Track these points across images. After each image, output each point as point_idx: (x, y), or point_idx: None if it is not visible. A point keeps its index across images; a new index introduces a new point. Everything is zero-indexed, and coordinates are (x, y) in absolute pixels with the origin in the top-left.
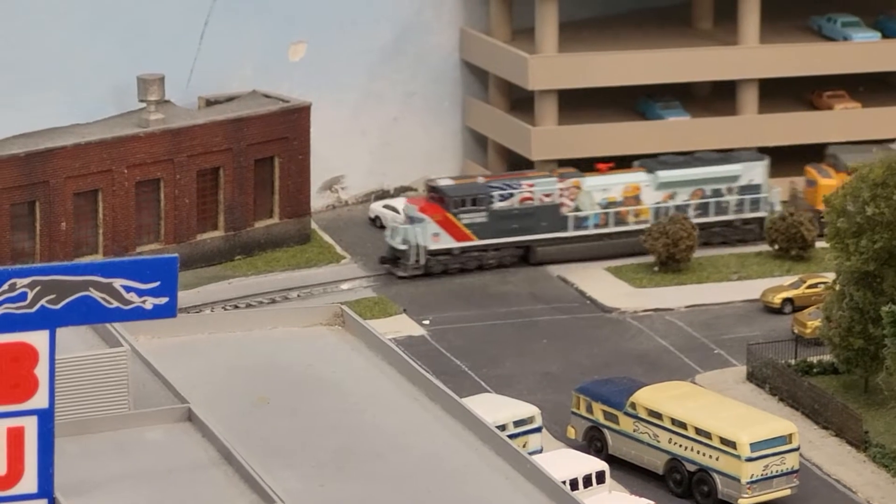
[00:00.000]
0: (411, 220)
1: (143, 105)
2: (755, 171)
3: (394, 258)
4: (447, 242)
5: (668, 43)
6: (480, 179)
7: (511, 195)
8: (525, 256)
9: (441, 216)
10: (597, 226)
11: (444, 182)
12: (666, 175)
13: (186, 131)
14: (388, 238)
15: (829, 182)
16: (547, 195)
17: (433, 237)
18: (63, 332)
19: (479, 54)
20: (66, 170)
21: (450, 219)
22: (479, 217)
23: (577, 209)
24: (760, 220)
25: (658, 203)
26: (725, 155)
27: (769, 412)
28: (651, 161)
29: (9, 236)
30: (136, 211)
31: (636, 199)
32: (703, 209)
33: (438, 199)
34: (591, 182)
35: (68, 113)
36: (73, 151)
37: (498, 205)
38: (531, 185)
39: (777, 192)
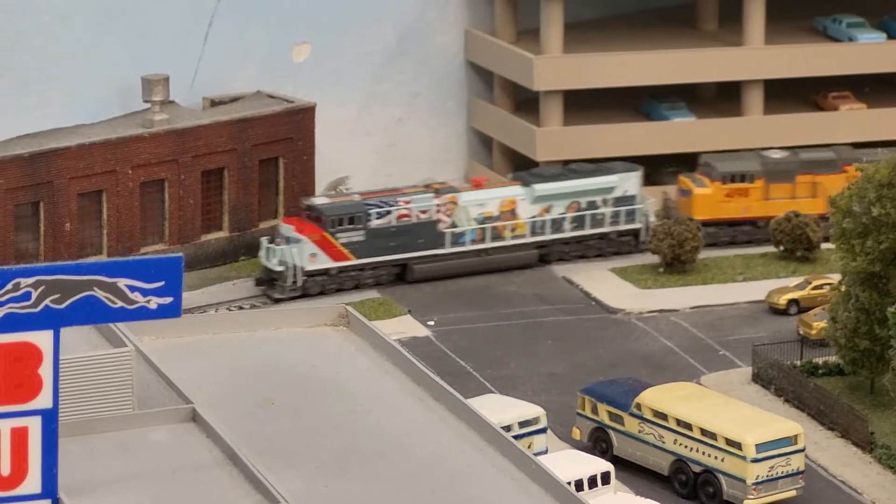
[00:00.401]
0: (288, 240)
1: (148, 105)
2: (630, 183)
3: (270, 280)
4: (325, 262)
5: (673, 44)
6: (356, 197)
7: (388, 212)
8: (402, 274)
9: (318, 236)
10: (473, 241)
11: (320, 201)
12: (542, 188)
13: (191, 132)
14: (262, 259)
15: (703, 191)
16: (423, 211)
17: (310, 257)
18: (67, 333)
19: (483, 55)
20: (70, 170)
21: (327, 238)
22: (357, 236)
23: (453, 225)
24: (636, 231)
25: (534, 217)
26: (600, 166)
27: (775, 413)
28: (526, 174)
29: (13, 237)
30: (140, 212)
31: (512, 214)
32: (578, 222)
33: (315, 218)
34: (467, 197)
35: (72, 113)
36: (78, 152)
37: (375, 223)
38: (408, 202)
39: (651, 202)
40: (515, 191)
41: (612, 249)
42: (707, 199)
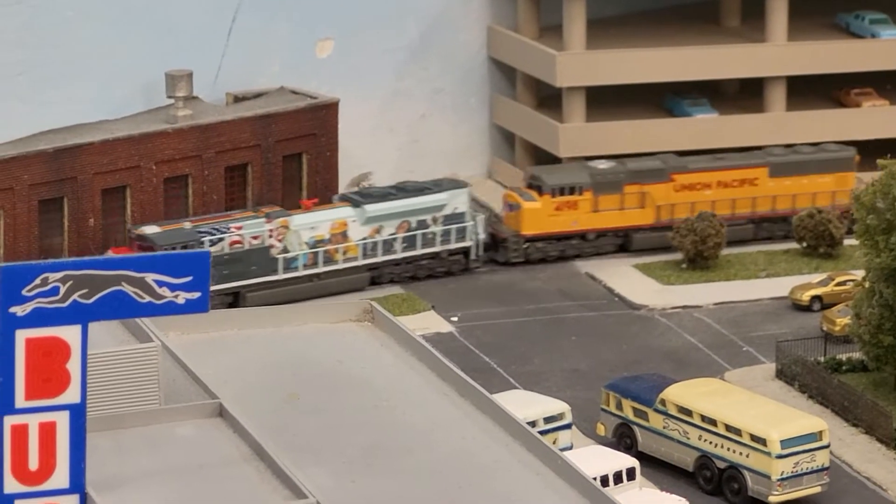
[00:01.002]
0: None
1: (171, 101)
2: (459, 200)
3: None
4: None
5: (695, 40)
6: (187, 225)
7: (221, 239)
8: (234, 303)
9: None
10: (306, 266)
11: (150, 230)
12: (373, 209)
13: (214, 127)
14: None
15: (532, 205)
16: (255, 237)
17: None
18: (93, 328)
19: (506, 51)
20: (94, 166)
21: None
22: None
23: (285, 250)
24: (466, 250)
25: (365, 239)
26: (429, 184)
27: (799, 410)
28: (355, 195)
29: (37, 232)
30: (164, 207)
31: (344, 236)
32: (409, 242)
33: (147, 248)
34: (298, 220)
35: (96, 109)
36: (101, 147)
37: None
38: (239, 228)
39: (481, 219)
40: (346, 212)
41: (444, 269)
42: (536, 213)
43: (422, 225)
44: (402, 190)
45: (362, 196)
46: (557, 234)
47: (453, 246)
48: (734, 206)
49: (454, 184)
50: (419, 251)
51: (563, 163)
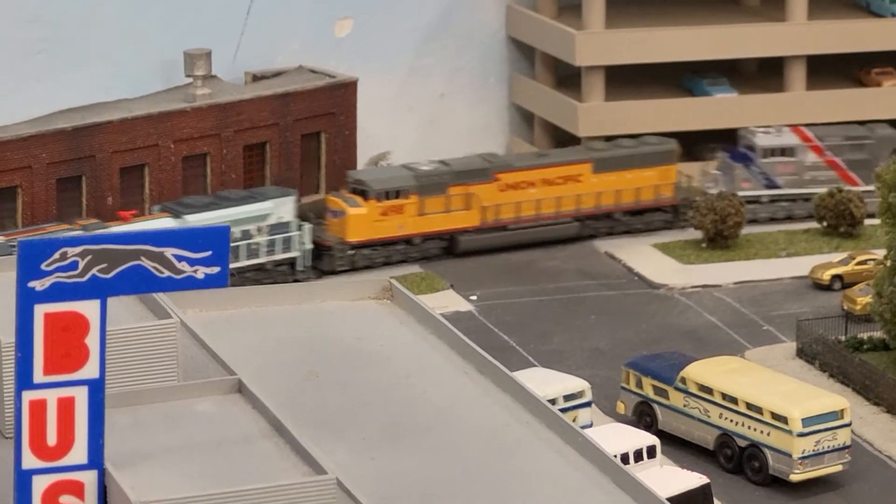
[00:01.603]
0: None
1: (190, 80)
2: (284, 208)
3: None
4: None
5: (715, 19)
6: (1, 240)
7: None
8: None
9: None
10: None
11: None
12: (194, 219)
13: (233, 106)
14: None
15: (358, 211)
16: None
17: None
18: (111, 305)
19: (525, 30)
20: (112, 144)
21: None
22: None
23: None
24: (292, 261)
25: None
26: (252, 192)
27: (820, 388)
28: (175, 205)
29: (55, 211)
30: (182, 186)
31: None
32: (233, 253)
33: None
34: None
35: (115, 88)
36: (120, 126)
37: None
38: None
39: (308, 228)
40: (165, 223)
41: (270, 280)
42: (362, 219)
43: (246, 235)
44: (225, 199)
45: (182, 206)
46: (383, 239)
47: (279, 257)
48: (559, 203)
49: (279, 192)
50: (243, 262)
51: (388, 165)
